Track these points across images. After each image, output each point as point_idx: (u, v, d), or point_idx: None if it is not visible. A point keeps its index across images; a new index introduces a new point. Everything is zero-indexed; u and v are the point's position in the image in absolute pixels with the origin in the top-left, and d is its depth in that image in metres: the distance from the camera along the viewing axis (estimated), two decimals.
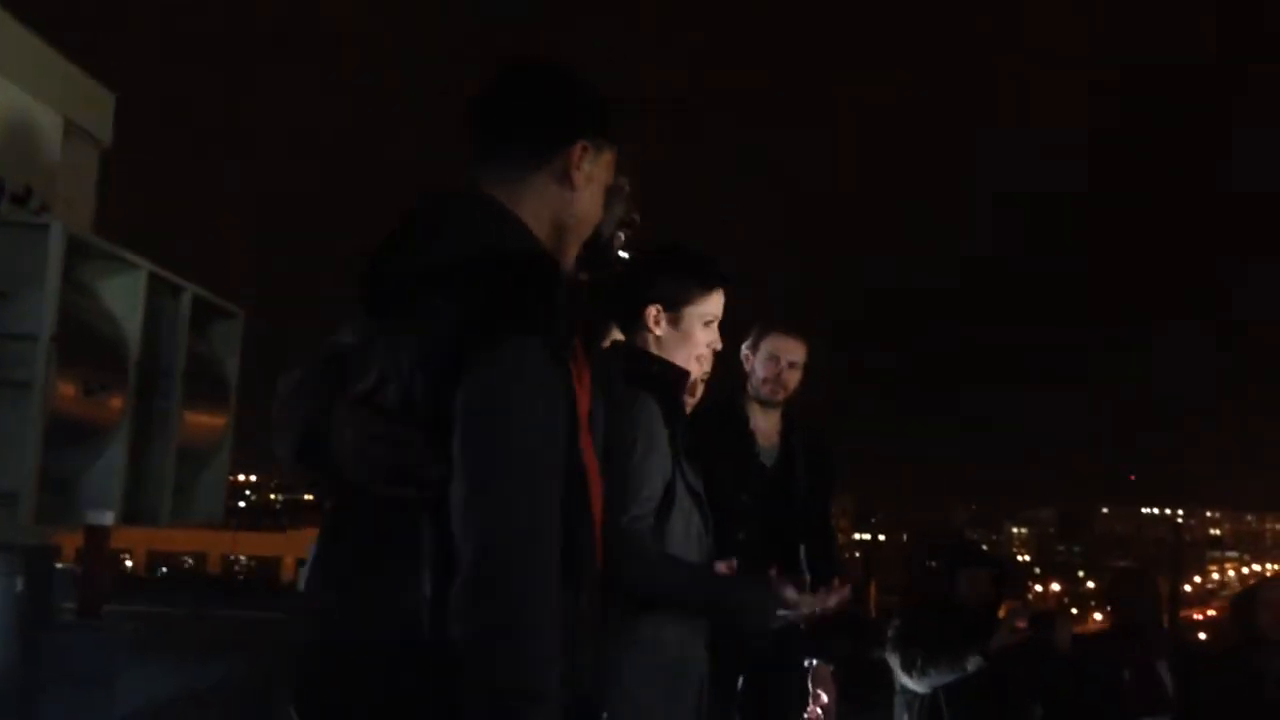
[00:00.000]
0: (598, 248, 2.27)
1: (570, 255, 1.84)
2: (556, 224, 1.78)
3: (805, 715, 3.86)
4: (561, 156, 1.77)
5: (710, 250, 2.69)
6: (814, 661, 3.85)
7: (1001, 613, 4.83)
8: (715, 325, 2.61)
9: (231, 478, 6.28)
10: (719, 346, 2.64)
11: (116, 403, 4.58)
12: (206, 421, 5.44)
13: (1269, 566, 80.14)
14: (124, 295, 4.69)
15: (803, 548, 3.84)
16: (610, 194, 1.93)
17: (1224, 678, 4.21)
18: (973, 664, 4.03)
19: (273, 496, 78.19)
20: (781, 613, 2.63)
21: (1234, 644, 4.37)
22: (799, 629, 3.84)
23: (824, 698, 3.83)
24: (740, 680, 3.67)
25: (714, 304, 2.60)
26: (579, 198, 1.79)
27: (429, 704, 1.54)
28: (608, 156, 1.84)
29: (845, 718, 3.96)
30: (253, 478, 78.35)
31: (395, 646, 1.56)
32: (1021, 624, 4.07)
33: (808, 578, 3.84)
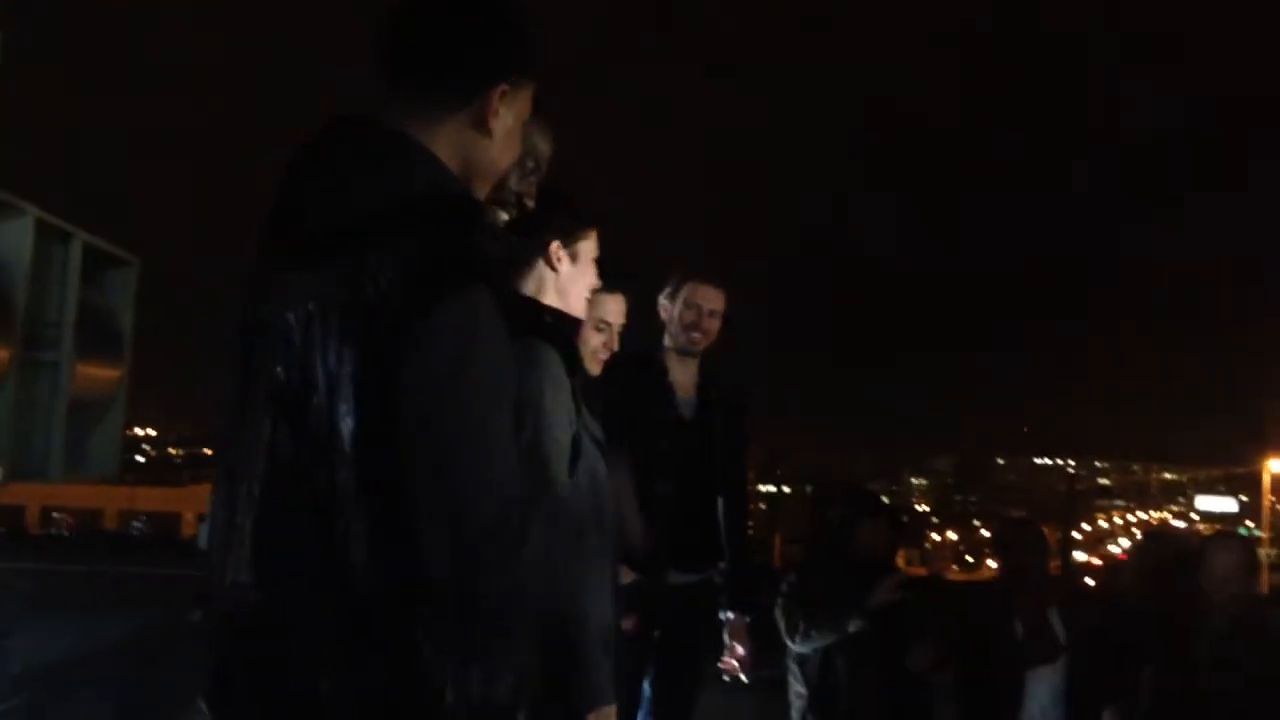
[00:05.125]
0: (503, 195, 2.20)
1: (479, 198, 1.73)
2: (467, 167, 1.66)
3: (720, 665, 3.87)
4: (481, 100, 1.65)
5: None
6: (730, 614, 3.85)
7: (900, 560, 4.89)
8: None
9: (129, 431, 6.10)
10: (597, 286, 2.64)
11: (2, 354, 4.38)
12: (99, 374, 5.25)
13: (1153, 514, 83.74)
14: (10, 242, 4.49)
15: (719, 500, 3.83)
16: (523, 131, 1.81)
17: (1143, 631, 4.20)
18: (854, 625, 4.03)
19: (172, 451, 76.57)
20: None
21: (1157, 598, 4.34)
22: (714, 582, 3.84)
23: (739, 649, 3.85)
24: (656, 633, 3.66)
25: (596, 242, 2.61)
26: (493, 144, 1.68)
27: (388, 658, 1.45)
28: (525, 92, 1.71)
29: (758, 668, 3.97)
30: (151, 431, 76.68)
31: (335, 606, 1.45)
32: (893, 588, 4.06)
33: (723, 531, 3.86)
